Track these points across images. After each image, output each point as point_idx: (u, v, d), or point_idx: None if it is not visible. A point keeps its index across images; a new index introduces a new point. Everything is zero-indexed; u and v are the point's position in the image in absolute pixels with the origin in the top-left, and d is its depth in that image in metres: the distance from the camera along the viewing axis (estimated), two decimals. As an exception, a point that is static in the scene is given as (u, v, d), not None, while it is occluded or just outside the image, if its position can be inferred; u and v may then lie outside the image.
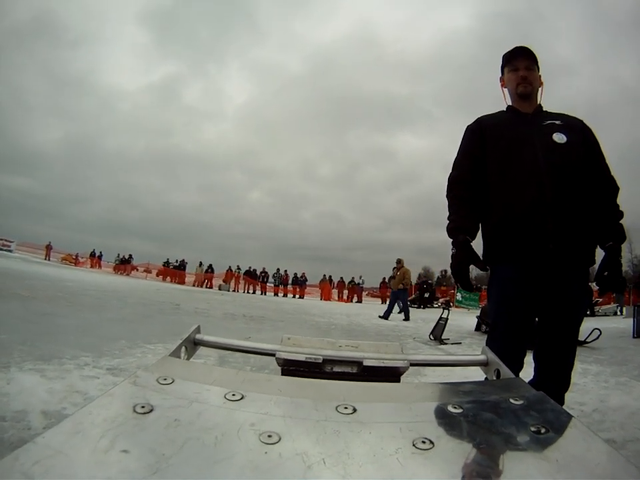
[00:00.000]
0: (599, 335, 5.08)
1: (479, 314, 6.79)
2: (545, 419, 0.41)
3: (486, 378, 0.68)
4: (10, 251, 21.00)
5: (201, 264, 20.26)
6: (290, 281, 19.53)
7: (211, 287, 18.70)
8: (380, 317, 8.70)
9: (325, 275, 20.73)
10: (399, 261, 9.73)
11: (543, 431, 0.39)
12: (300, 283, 19.67)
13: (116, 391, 0.41)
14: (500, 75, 1.56)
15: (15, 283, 6.76)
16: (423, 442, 0.36)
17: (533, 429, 0.39)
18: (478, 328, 6.51)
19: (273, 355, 0.66)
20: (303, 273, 20.22)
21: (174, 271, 20.84)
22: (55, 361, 2.50)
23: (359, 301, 18.82)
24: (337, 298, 19.20)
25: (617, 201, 1.41)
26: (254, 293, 18.92)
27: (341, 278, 20.38)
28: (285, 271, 20.01)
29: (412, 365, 0.67)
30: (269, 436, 0.36)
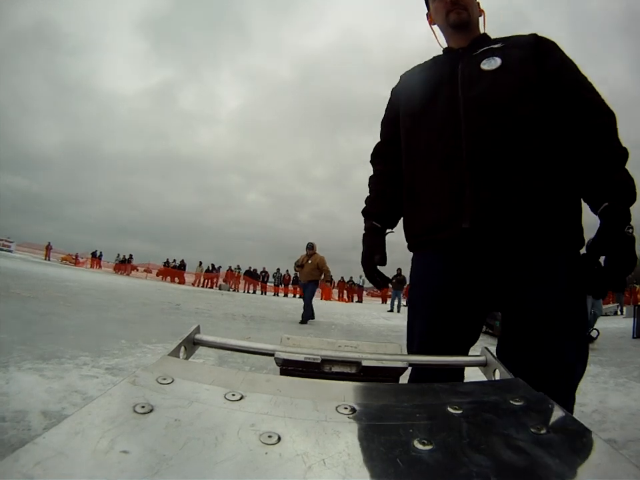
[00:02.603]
0: (598, 335, 5.10)
1: None
2: (545, 420, 0.41)
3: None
4: (10, 251, 21.10)
5: (200, 264, 20.31)
6: (290, 281, 19.59)
7: (211, 287, 18.72)
8: (300, 322, 6.86)
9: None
10: (312, 246, 7.27)
11: (543, 431, 0.39)
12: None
13: (115, 391, 0.41)
14: (426, 12, 1.16)
15: (15, 282, 6.76)
16: (423, 442, 0.36)
17: (532, 429, 0.39)
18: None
19: (272, 354, 0.66)
20: (303, 273, 20.20)
21: (174, 271, 20.87)
22: (54, 361, 2.50)
23: (359, 300, 18.85)
24: (337, 298, 19.24)
25: (612, 135, 0.86)
26: (254, 292, 18.94)
27: (342, 278, 20.40)
28: (287, 270, 20.04)
29: (411, 365, 0.67)
30: (269, 436, 0.36)
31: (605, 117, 0.88)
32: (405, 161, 1.07)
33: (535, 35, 0.98)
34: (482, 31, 1.09)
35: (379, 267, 1.10)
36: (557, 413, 0.44)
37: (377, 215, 1.13)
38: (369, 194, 1.18)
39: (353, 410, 0.42)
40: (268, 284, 20.30)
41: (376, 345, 0.78)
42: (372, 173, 1.21)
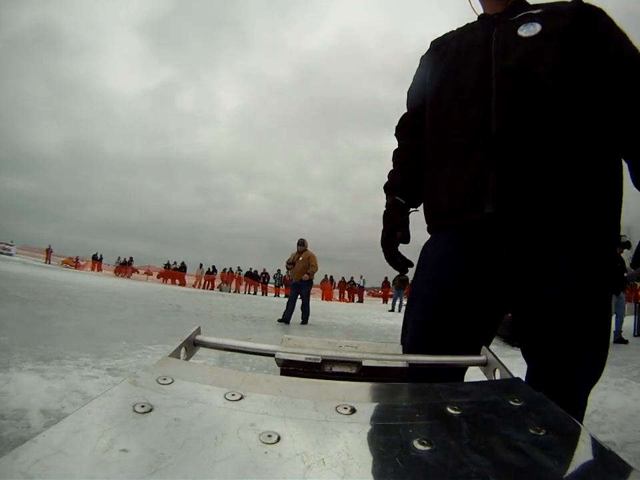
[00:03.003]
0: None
1: None
2: (544, 421, 0.41)
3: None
4: (10, 254, 21.19)
5: (201, 266, 20.35)
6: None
7: (212, 288, 18.74)
8: (279, 320, 6.72)
9: (326, 275, 20.81)
10: (303, 242, 7.07)
11: (542, 432, 0.39)
12: (300, 284, 19.71)
13: (115, 391, 0.41)
14: None
15: (15, 285, 6.77)
16: (422, 443, 0.36)
17: (532, 430, 0.39)
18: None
19: (273, 355, 0.66)
20: (304, 274, 20.25)
21: (175, 273, 20.92)
22: (55, 362, 2.51)
23: (360, 300, 18.86)
24: (338, 298, 19.25)
25: None
26: (255, 294, 18.95)
27: (342, 278, 20.43)
28: (287, 271, 20.06)
29: (411, 365, 0.67)
30: (269, 436, 0.36)
31: None
32: (429, 134, 0.98)
33: (579, 1, 0.87)
34: None
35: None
36: (557, 414, 0.44)
37: (401, 187, 1.03)
38: (392, 167, 1.09)
39: (353, 410, 0.42)
40: (269, 285, 20.32)
41: (377, 344, 0.78)
42: (396, 146, 1.12)
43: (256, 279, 20.11)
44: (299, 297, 6.99)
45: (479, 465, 0.34)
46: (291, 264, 7.12)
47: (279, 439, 0.36)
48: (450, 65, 0.95)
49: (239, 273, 20.17)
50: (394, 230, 0.99)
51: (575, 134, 0.78)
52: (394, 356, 0.69)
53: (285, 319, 6.68)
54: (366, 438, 0.38)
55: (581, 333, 0.76)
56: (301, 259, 6.94)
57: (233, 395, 0.43)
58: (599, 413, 2.22)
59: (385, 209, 1.05)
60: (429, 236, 0.99)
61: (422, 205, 1.02)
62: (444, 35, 1.05)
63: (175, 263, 21.82)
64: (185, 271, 21.12)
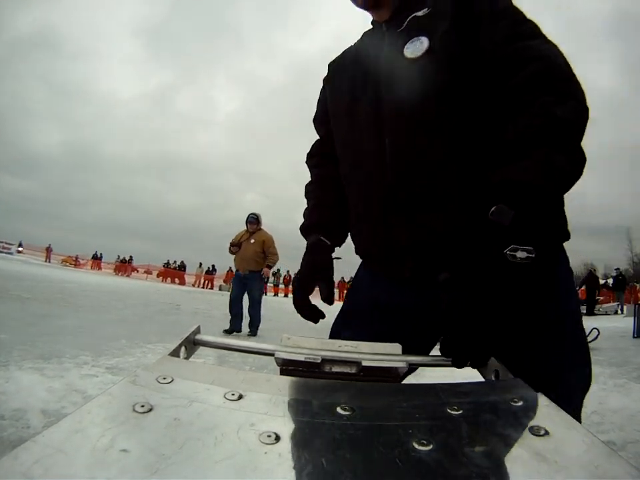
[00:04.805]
0: (597, 335, 5.09)
1: None
2: (544, 421, 0.41)
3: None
4: (10, 253, 21.31)
5: (200, 265, 20.37)
6: (291, 281, 19.67)
7: (211, 288, 18.75)
8: (225, 331, 4.88)
9: (325, 275, 20.79)
10: (256, 219, 5.00)
11: (542, 432, 0.39)
12: (300, 283, 19.79)
13: (115, 390, 0.41)
14: None
15: (15, 284, 6.77)
16: (422, 443, 0.36)
17: (532, 430, 0.39)
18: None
19: (272, 354, 0.66)
20: (303, 273, 20.32)
21: (174, 272, 20.94)
22: (55, 360, 2.51)
23: (359, 301, 18.85)
24: (337, 298, 19.27)
25: (543, 86, 0.57)
26: (254, 293, 18.93)
27: (342, 278, 20.43)
28: (287, 271, 20.08)
29: (411, 365, 0.67)
30: (269, 436, 0.36)
31: (532, 65, 0.58)
32: (340, 168, 0.89)
33: None
34: None
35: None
36: (556, 414, 0.44)
37: (322, 226, 0.89)
38: (306, 205, 0.95)
39: (352, 410, 0.42)
40: (268, 284, 20.34)
41: (376, 345, 0.77)
42: (309, 179, 0.99)
43: (255, 279, 20.13)
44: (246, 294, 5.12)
45: (478, 465, 0.34)
46: (235, 246, 4.97)
47: (278, 439, 0.36)
48: (345, 98, 0.83)
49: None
50: (310, 277, 0.83)
51: (479, 174, 0.65)
52: (393, 356, 0.69)
53: (234, 327, 4.99)
54: (365, 438, 0.38)
55: (559, 357, 0.69)
56: (252, 241, 4.90)
57: (233, 394, 0.43)
58: (598, 414, 2.22)
59: (305, 250, 0.88)
60: None
61: (348, 236, 0.92)
62: (342, 54, 0.94)
63: (175, 262, 21.85)
64: (185, 270, 21.15)
